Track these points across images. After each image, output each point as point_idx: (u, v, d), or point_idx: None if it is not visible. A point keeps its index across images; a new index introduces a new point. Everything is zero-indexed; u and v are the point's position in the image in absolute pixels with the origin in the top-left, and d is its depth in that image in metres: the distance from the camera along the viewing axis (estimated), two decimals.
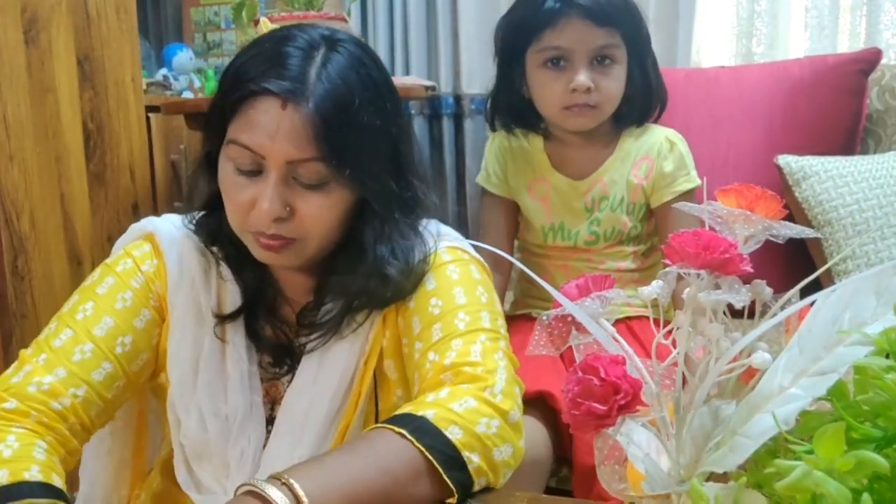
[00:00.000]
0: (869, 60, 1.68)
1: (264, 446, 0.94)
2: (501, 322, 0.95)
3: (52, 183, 1.49)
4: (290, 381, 0.97)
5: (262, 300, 0.98)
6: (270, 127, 0.84)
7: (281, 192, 0.85)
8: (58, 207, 1.50)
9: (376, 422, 0.91)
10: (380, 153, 0.90)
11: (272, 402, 0.98)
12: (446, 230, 1.02)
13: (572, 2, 1.33)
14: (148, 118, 1.81)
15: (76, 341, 0.88)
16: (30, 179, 1.43)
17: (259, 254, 0.90)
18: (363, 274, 0.90)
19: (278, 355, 0.98)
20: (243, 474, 0.92)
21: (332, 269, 0.94)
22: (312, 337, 0.94)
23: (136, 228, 1.00)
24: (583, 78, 1.34)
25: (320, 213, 0.87)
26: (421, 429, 0.77)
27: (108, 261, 0.97)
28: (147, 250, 0.97)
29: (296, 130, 0.83)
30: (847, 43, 2.00)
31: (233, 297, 0.97)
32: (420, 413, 0.78)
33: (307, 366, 0.94)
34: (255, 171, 0.86)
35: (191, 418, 0.93)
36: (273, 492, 0.69)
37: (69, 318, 0.91)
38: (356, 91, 0.86)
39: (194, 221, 0.97)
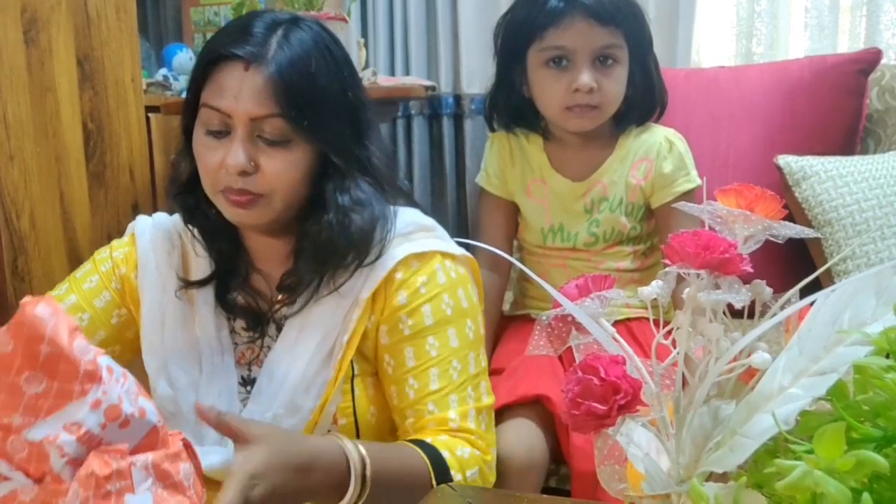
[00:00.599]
0: (869, 60, 1.67)
1: (245, 405, 1.03)
2: (483, 352, 1.08)
3: (52, 183, 1.49)
4: (264, 345, 1.06)
5: (235, 272, 1.07)
6: (235, 88, 0.94)
7: (247, 148, 0.95)
8: (58, 207, 1.50)
9: (352, 398, 1.04)
10: (338, 114, 0.99)
11: (249, 364, 1.07)
12: (428, 221, 1.09)
13: (576, 1, 1.32)
14: (148, 118, 1.81)
15: None
16: (30, 179, 1.43)
17: (230, 213, 0.99)
18: (327, 224, 0.98)
19: (252, 322, 1.06)
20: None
21: (303, 234, 1.01)
22: (294, 297, 1.02)
23: (129, 227, 1.15)
24: (585, 78, 1.33)
25: (283, 168, 0.96)
26: (443, 470, 0.96)
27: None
28: (125, 240, 1.12)
29: (258, 89, 0.93)
30: (847, 43, 1.99)
31: (201, 270, 1.07)
32: (449, 463, 0.96)
33: (289, 330, 1.03)
34: (224, 132, 0.96)
35: (160, 378, 1.03)
36: (346, 442, 0.86)
37: (50, 294, 1.07)
38: (314, 58, 0.96)
39: (177, 198, 1.07)
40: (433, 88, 2.14)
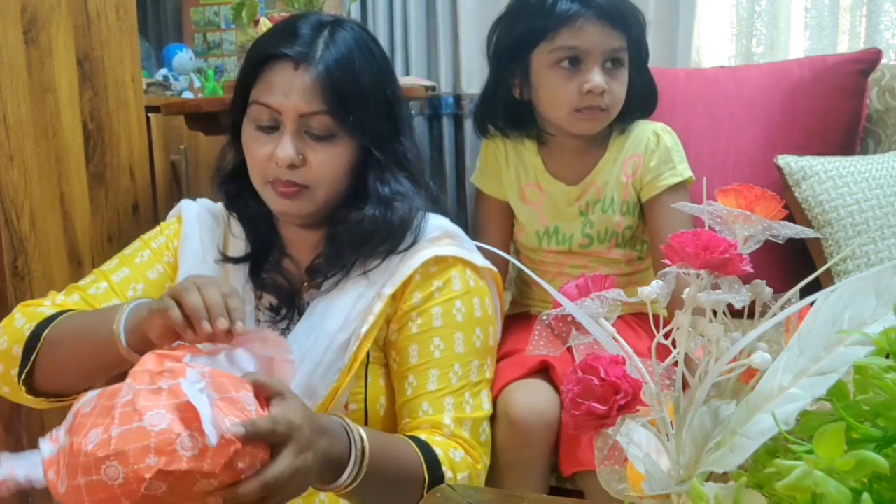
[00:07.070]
0: (869, 60, 1.67)
1: None
2: (490, 361, 1.12)
3: (52, 183, 1.49)
4: (287, 326, 1.10)
5: (269, 255, 1.13)
6: (285, 86, 1.01)
7: (295, 143, 1.01)
8: (58, 207, 1.50)
9: (365, 384, 1.07)
10: (378, 109, 1.05)
11: None
12: (454, 229, 1.14)
13: (591, 2, 1.32)
14: (148, 118, 1.81)
15: (95, 281, 1.11)
16: (30, 179, 1.43)
17: (277, 203, 1.05)
18: (370, 214, 1.05)
19: (281, 300, 1.12)
20: None
21: (338, 220, 1.07)
22: (323, 279, 1.07)
23: (173, 210, 1.21)
24: (598, 79, 1.33)
25: (328, 161, 1.03)
26: (435, 466, 0.98)
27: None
28: (171, 221, 1.19)
29: (306, 88, 1.00)
30: (847, 43, 2.00)
31: (238, 250, 1.14)
32: (441, 461, 0.99)
33: (314, 309, 1.07)
34: (273, 127, 1.03)
35: None
36: (346, 419, 0.88)
37: (99, 270, 1.14)
38: (357, 58, 1.03)
39: (221, 186, 1.14)
40: (433, 88, 2.14)
